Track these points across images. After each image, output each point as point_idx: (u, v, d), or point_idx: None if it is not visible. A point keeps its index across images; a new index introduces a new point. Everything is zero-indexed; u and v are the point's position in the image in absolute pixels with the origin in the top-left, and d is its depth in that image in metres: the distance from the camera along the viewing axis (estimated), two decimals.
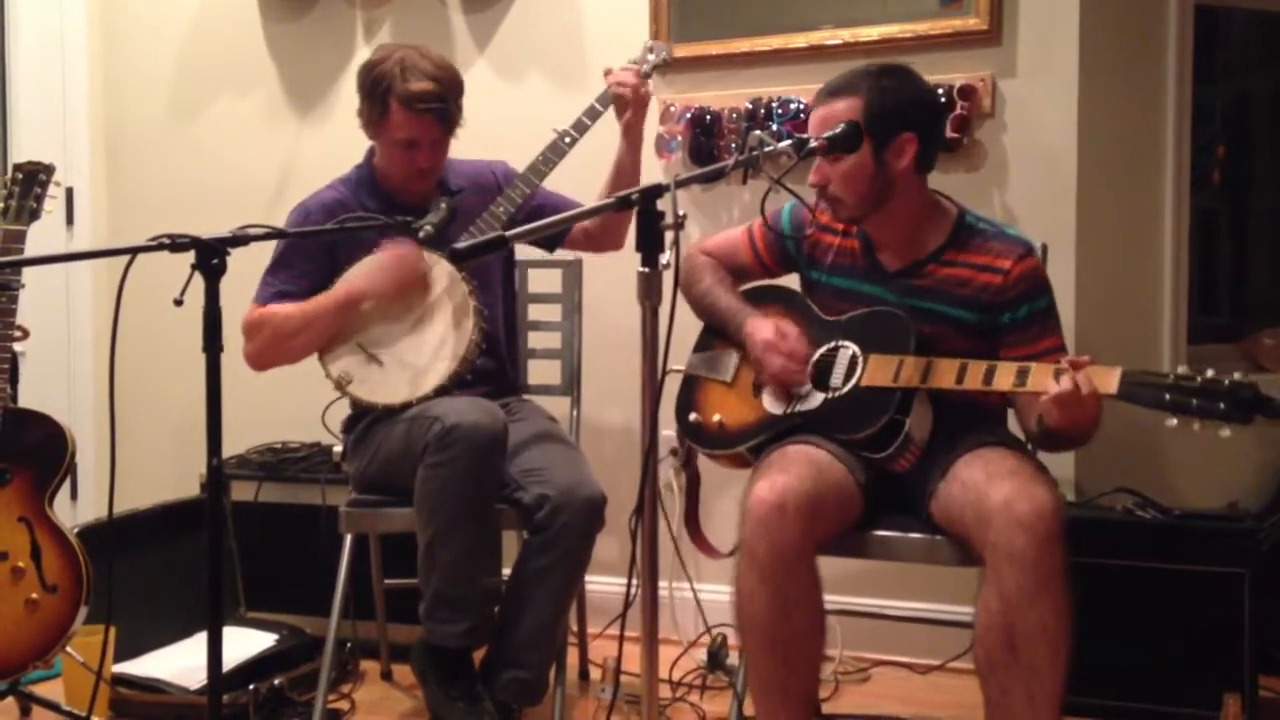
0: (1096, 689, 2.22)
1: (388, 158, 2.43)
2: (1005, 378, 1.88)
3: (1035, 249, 2.07)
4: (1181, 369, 1.71)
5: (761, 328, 2.14)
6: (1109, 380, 1.76)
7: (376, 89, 2.35)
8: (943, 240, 2.08)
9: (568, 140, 2.39)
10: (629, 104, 2.39)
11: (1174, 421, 1.70)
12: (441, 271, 2.35)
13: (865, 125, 1.97)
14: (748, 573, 1.89)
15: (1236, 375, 1.68)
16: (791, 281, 2.31)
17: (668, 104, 2.92)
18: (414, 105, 2.32)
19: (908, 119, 2.02)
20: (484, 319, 2.35)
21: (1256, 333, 3.07)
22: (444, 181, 2.49)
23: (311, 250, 2.39)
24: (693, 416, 2.22)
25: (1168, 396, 1.69)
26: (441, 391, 2.28)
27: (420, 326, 2.33)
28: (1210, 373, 1.69)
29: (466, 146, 2.51)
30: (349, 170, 2.51)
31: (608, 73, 2.43)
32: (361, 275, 2.33)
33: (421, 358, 2.31)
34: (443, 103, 2.34)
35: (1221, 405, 1.65)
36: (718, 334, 2.27)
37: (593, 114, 2.41)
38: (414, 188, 2.43)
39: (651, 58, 2.52)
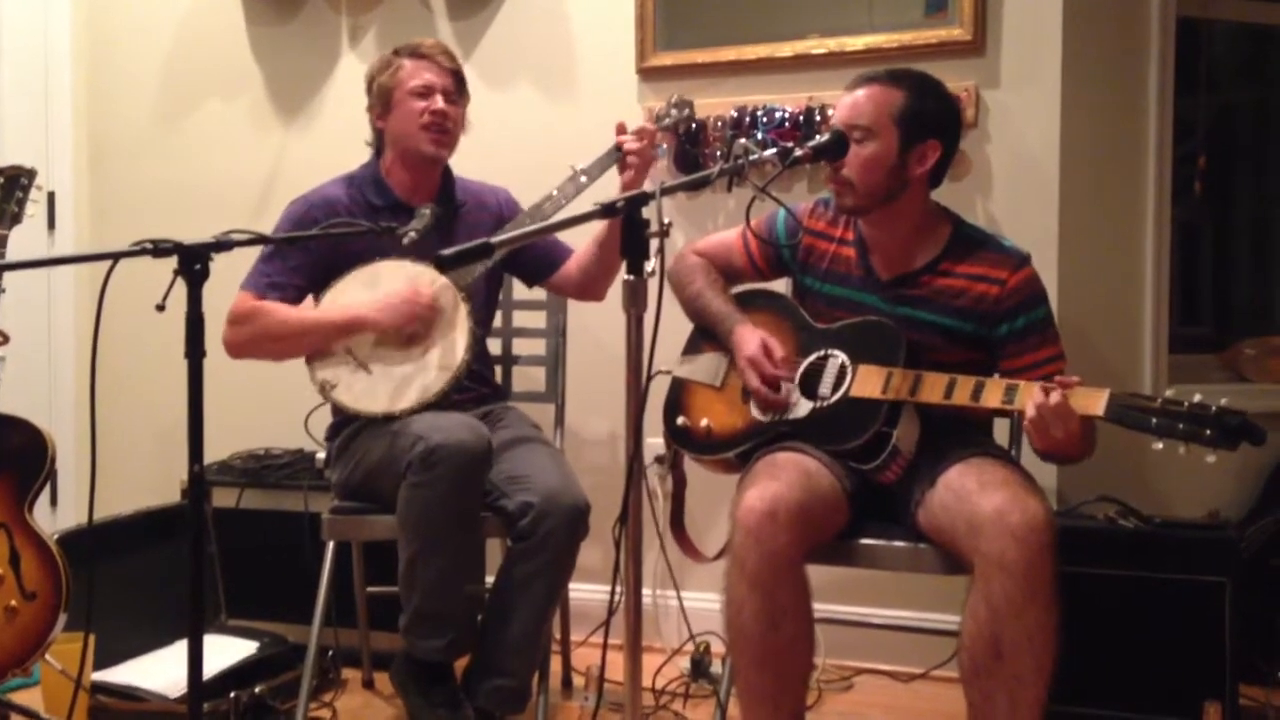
0: (1077, 697, 2.21)
1: (404, 122, 2.40)
2: (993, 394, 1.88)
3: (1031, 260, 2.07)
4: (1169, 392, 1.71)
5: (748, 341, 2.12)
6: (1096, 402, 1.76)
7: (387, 68, 2.43)
8: (939, 250, 2.08)
9: (584, 179, 2.36)
10: (630, 166, 2.34)
11: (1160, 445, 1.71)
12: (443, 288, 2.34)
13: (900, 121, 2.00)
14: (738, 582, 1.88)
15: (1224, 401, 1.68)
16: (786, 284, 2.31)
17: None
18: (423, 53, 2.42)
19: (939, 128, 2.05)
20: (478, 340, 2.34)
21: (1238, 343, 3.09)
22: (451, 191, 2.48)
23: (310, 244, 2.36)
24: (680, 420, 2.22)
25: (1154, 421, 1.70)
26: (425, 406, 2.26)
27: (414, 339, 2.31)
28: (1198, 398, 1.69)
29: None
30: (355, 168, 2.50)
31: (620, 129, 2.37)
32: (372, 306, 2.30)
33: (410, 370, 2.30)
34: (451, 59, 2.44)
35: (1208, 432, 1.66)
36: (708, 336, 2.26)
37: (605, 163, 2.37)
38: (430, 151, 2.39)
39: (675, 113, 2.53)
